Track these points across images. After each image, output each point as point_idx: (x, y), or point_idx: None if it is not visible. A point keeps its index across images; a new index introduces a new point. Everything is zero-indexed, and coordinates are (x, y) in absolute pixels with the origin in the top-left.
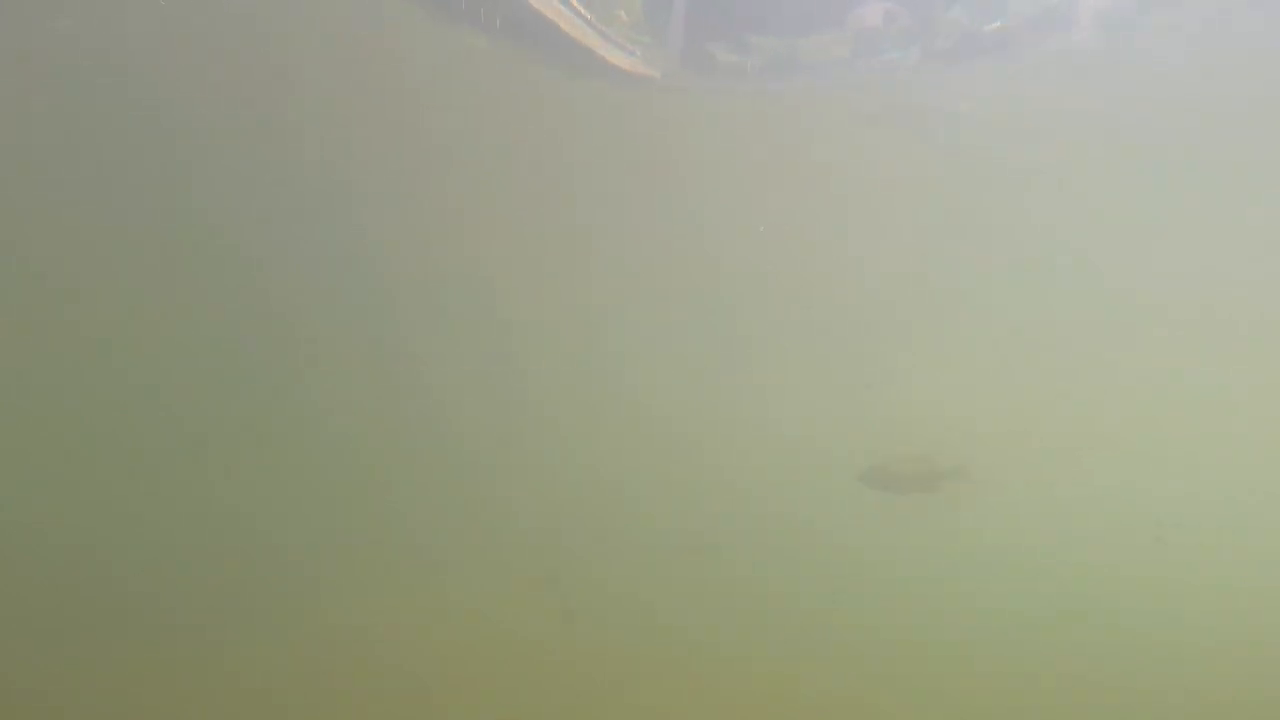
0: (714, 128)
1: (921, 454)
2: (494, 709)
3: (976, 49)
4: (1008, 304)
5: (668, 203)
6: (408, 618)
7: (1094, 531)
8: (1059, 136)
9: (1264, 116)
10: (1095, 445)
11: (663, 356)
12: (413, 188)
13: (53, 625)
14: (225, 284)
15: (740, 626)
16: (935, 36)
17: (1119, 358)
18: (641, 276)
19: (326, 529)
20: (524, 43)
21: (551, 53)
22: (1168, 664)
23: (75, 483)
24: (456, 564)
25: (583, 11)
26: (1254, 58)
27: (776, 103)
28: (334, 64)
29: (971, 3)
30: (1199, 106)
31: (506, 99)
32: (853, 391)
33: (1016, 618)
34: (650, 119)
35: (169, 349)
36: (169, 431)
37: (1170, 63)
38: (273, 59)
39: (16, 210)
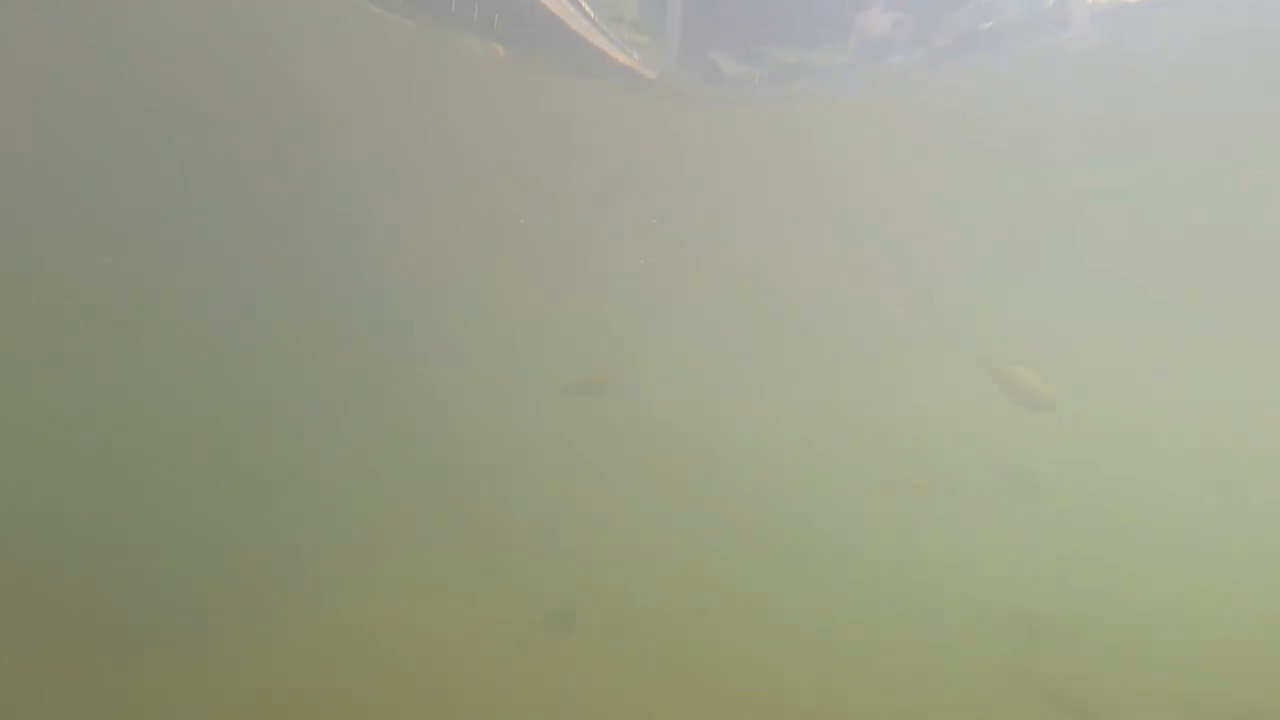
0: (710, 126)
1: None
2: (497, 708)
3: (972, 47)
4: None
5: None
6: (415, 618)
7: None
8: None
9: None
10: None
11: (661, 353)
12: (414, 186)
13: (59, 625)
14: (235, 286)
15: (743, 626)
16: (938, 36)
17: (1104, 352)
18: (637, 274)
19: (334, 530)
20: (526, 40)
21: (555, 51)
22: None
23: (81, 485)
24: (460, 563)
25: (588, 10)
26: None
27: (776, 102)
28: (340, 66)
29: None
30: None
31: (509, 97)
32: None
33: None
34: (648, 116)
35: (172, 350)
36: (171, 432)
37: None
38: (279, 60)
39: (26, 212)
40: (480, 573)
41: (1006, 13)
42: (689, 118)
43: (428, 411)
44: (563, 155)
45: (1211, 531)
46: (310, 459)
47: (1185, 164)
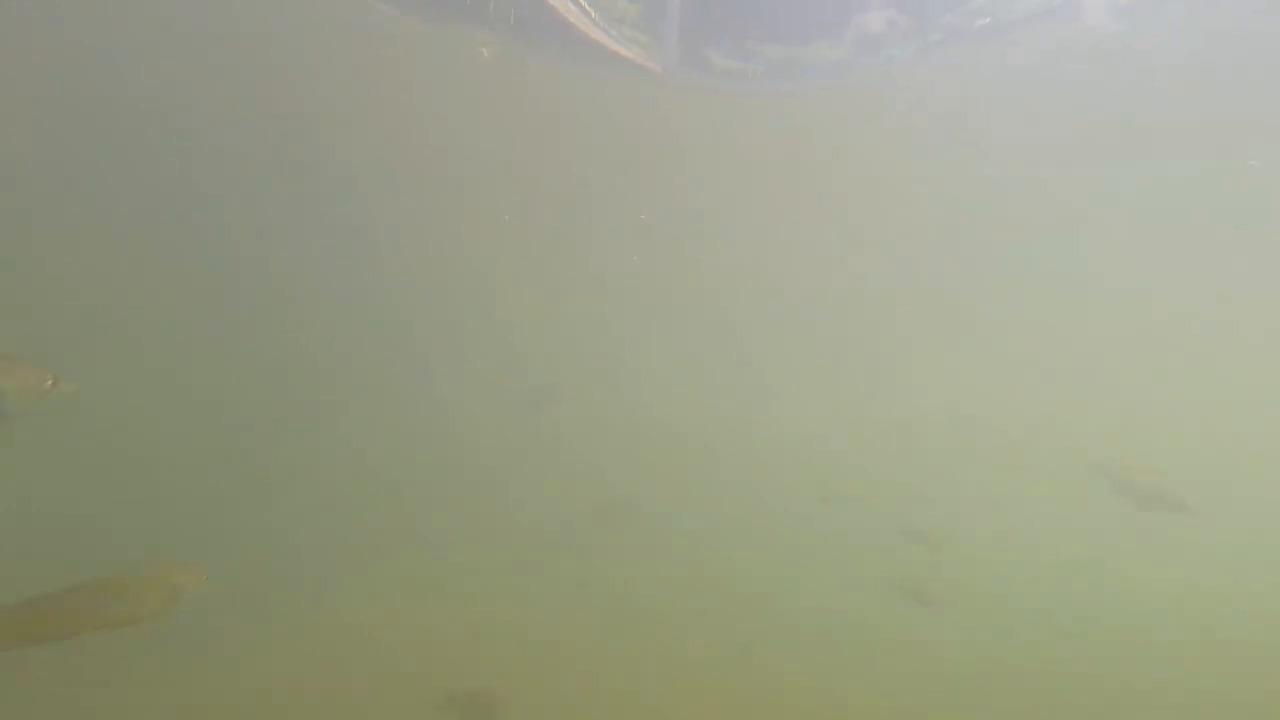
0: (708, 124)
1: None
2: (497, 708)
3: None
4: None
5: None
6: (415, 618)
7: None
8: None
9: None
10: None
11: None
12: (417, 182)
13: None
14: (235, 286)
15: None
16: (931, 33)
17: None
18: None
19: (334, 530)
20: (529, 37)
21: (557, 46)
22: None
23: (81, 485)
24: (465, 561)
25: (588, 9)
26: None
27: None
28: (341, 64)
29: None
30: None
31: (511, 92)
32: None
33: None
34: (649, 114)
35: (172, 350)
36: (173, 431)
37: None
38: (282, 56)
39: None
40: (480, 573)
41: (1012, 9)
42: (683, 107)
43: (428, 411)
44: (564, 145)
45: (1211, 531)
46: (310, 459)
47: (1186, 161)
